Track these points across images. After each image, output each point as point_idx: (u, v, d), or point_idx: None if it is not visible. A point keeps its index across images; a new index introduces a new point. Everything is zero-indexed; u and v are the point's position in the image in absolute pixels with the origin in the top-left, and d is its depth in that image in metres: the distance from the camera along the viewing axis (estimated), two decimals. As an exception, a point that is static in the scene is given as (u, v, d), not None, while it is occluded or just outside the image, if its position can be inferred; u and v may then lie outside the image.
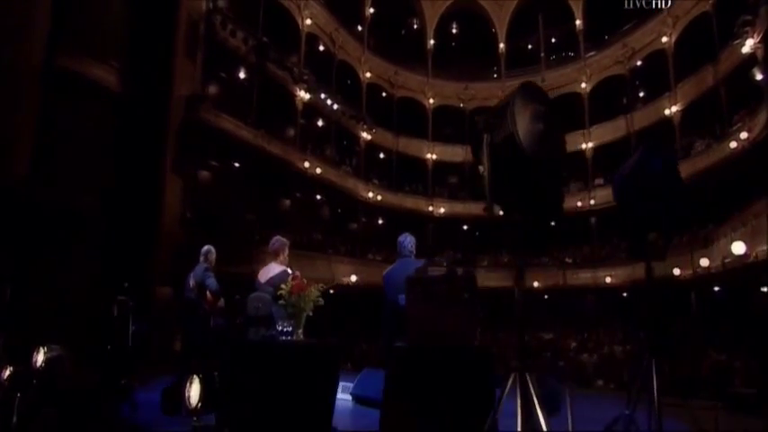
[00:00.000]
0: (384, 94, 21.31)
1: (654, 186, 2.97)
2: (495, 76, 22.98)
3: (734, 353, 10.62)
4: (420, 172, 21.46)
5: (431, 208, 20.90)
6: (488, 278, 19.68)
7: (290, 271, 4.55)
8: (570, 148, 19.82)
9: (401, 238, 4.21)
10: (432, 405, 2.81)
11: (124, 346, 5.04)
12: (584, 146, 19.78)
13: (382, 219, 20.65)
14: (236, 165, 14.57)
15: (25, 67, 9.49)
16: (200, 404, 3.39)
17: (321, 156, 17.36)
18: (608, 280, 17.39)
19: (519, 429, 1.90)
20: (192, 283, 5.26)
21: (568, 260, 18.81)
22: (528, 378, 2.07)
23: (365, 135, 19.33)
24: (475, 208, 21.34)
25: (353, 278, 15.08)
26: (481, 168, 2.06)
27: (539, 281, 18.65)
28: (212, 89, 14.93)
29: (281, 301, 3.63)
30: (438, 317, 3.09)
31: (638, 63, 18.89)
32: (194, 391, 3.45)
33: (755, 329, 10.75)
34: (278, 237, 4.66)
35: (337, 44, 18.67)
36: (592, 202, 19.05)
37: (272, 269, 4.48)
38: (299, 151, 15.86)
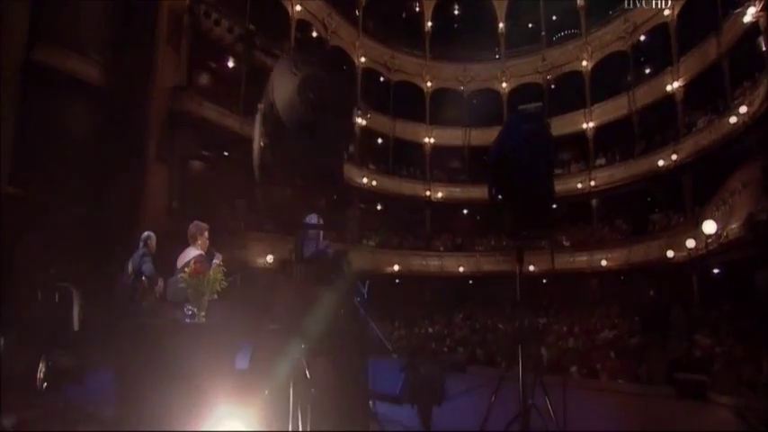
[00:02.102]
0: (381, 79, 21.15)
1: (520, 158, 2.86)
2: (497, 57, 22.46)
3: (720, 338, 10.31)
4: (418, 156, 21.32)
5: (428, 192, 20.78)
6: (486, 263, 19.64)
7: (215, 255, 4.65)
8: (571, 128, 19.45)
9: (307, 219, 4.22)
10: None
11: (67, 329, 5.23)
12: (585, 126, 19.26)
13: (381, 205, 20.69)
14: (225, 153, 14.76)
15: (5, 63, 9.75)
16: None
17: (314, 142, 17.40)
18: (603, 263, 17.04)
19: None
20: (129, 268, 5.42)
21: (566, 243, 18.48)
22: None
23: (360, 120, 19.26)
24: (475, 192, 21.14)
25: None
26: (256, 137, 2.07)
27: (536, 265, 18.40)
28: (199, 79, 15.12)
29: (181, 284, 3.69)
30: (308, 299, 3.11)
31: (641, 38, 18.17)
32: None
33: (744, 312, 10.41)
34: (196, 221, 4.72)
35: (330, 29, 18.57)
36: (592, 183, 18.61)
37: (188, 254, 4.56)
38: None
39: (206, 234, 4.73)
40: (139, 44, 12.19)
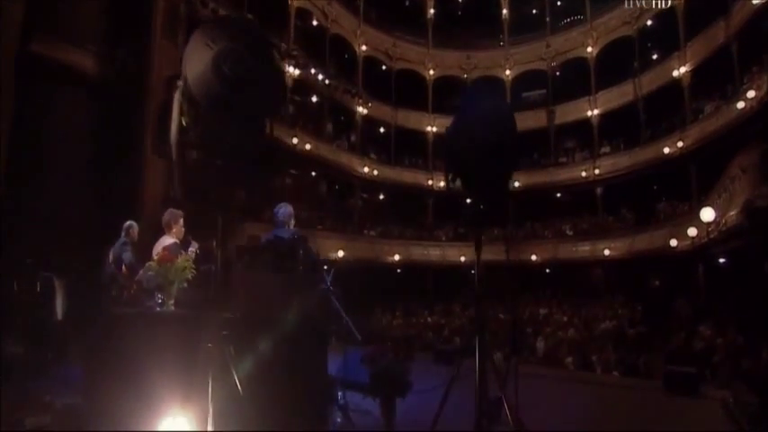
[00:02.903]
0: (383, 68, 20.93)
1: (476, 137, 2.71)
2: (502, 44, 22.08)
3: (722, 329, 10.09)
4: (420, 145, 21.13)
5: (431, 182, 20.63)
6: (487, 252, 19.44)
7: (191, 243, 4.59)
8: (576, 115, 19.13)
9: (276, 209, 4.17)
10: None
11: (46, 320, 5.25)
12: (589, 113, 18.92)
13: (383, 194, 20.60)
14: (224, 144, 14.73)
15: (1, 54, 9.76)
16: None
17: (314, 131, 17.33)
18: (606, 252, 16.80)
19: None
20: (110, 257, 5.42)
21: (569, 232, 18.26)
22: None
23: (361, 109, 19.12)
24: (478, 181, 20.93)
25: (340, 254, 15.20)
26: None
27: (538, 254, 18.28)
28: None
29: (149, 272, 3.66)
30: (263, 287, 3.05)
31: (648, 23, 17.71)
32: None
33: (750, 303, 10.17)
34: (170, 209, 4.68)
35: (330, 18, 18.37)
36: (597, 171, 18.32)
37: (163, 242, 4.52)
38: (288, 127, 15.88)
39: (181, 222, 4.67)
40: (135, 35, 12.14)
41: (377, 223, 19.30)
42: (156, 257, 3.62)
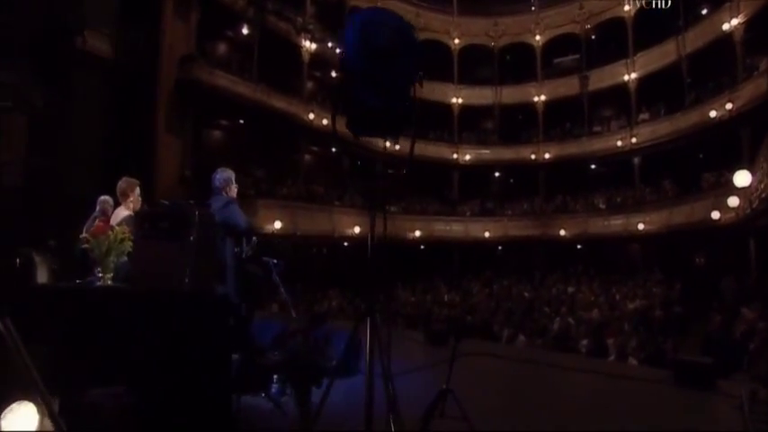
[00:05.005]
0: (406, 39, 20.23)
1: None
2: (533, 8, 20.74)
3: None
4: (445, 118, 20.42)
5: (456, 155, 19.97)
6: (513, 227, 18.78)
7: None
8: (611, 81, 17.81)
9: (213, 173, 3.97)
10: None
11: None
12: (626, 77, 17.51)
13: (405, 170, 20.13)
14: (241, 121, 14.83)
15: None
16: None
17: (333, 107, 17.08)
18: (641, 227, 15.67)
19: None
20: (83, 232, 5.48)
21: (602, 206, 17.18)
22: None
23: (382, 83, 18.63)
24: (506, 153, 20.12)
25: (356, 230, 15.05)
26: None
27: (567, 229, 17.37)
28: (213, 48, 15.12)
29: (84, 245, 3.59)
30: (160, 256, 2.89)
31: (694, -28, 16.01)
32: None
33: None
34: (126, 177, 4.57)
35: (348, -11, 17.87)
36: (633, 140, 17.02)
37: (118, 215, 4.44)
38: (305, 103, 15.73)
39: (137, 191, 4.55)
40: (147, 15, 12.28)
41: (399, 199, 18.98)
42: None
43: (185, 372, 2.46)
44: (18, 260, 5.38)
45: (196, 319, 2.63)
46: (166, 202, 3.06)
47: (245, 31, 15.39)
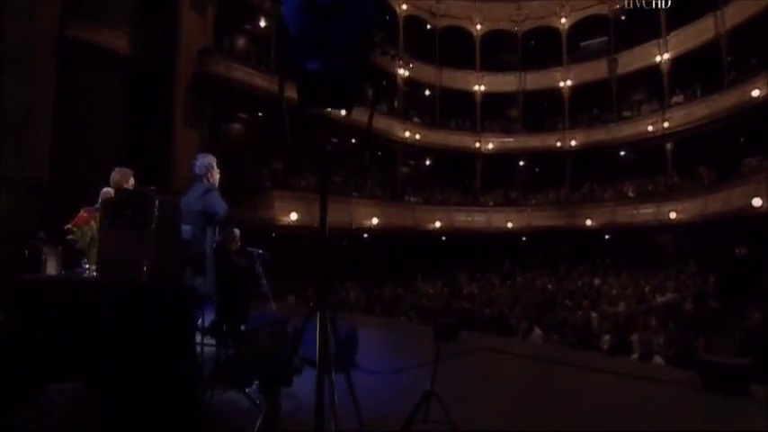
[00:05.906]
0: (427, 26, 19.83)
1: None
2: (559, -12, 19.93)
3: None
4: (467, 106, 19.95)
5: (478, 144, 19.49)
6: (537, 218, 18.24)
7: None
8: (641, 63, 16.94)
9: (194, 160, 3.85)
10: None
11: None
12: (658, 58, 16.60)
13: (429, 160, 19.89)
14: (260, 114, 14.86)
15: (40, 42, 10.34)
16: None
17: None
18: (672, 216, 14.86)
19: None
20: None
21: (631, 194, 16.41)
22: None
23: (402, 72, 18.34)
24: (531, 141, 19.51)
25: (374, 221, 14.89)
26: None
27: (594, 219, 16.70)
28: (232, 41, 15.17)
29: (69, 236, 3.55)
30: (122, 244, 2.79)
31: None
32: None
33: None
34: (119, 168, 4.53)
35: (366, -23, 17.57)
36: (666, 124, 16.15)
37: (109, 203, 4.43)
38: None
39: (131, 181, 4.51)
40: (164, 10, 12.39)
41: (421, 189, 18.72)
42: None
43: (144, 366, 2.37)
44: (27, 252, 5.46)
45: (155, 310, 2.52)
46: (136, 190, 2.97)
47: (262, 23, 15.38)
